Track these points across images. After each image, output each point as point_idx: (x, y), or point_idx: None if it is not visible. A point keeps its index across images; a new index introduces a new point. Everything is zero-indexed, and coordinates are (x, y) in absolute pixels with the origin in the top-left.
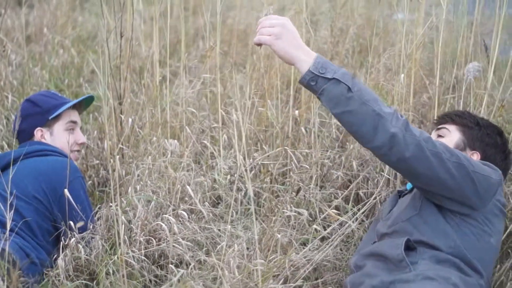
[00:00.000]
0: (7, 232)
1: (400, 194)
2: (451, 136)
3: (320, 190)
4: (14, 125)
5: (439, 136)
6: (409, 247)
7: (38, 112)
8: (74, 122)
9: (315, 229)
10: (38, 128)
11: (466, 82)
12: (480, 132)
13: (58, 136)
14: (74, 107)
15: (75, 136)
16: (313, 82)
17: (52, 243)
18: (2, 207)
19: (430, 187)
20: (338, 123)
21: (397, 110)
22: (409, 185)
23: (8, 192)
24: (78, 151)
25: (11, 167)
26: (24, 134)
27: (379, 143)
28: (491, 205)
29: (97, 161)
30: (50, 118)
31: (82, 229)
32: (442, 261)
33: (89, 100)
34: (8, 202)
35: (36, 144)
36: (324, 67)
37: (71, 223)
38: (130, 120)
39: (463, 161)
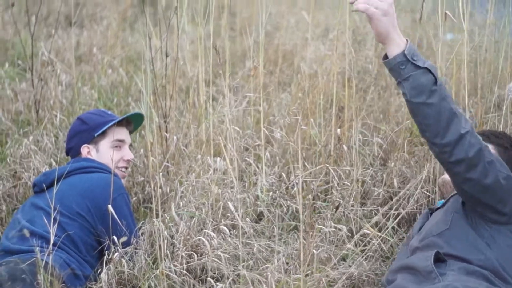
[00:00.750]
0: (50, 246)
1: (431, 212)
2: None
3: (360, 207)
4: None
5: None
6: (439, 259)
7: (85, 130)
8: (121, 141)
9: (355, 244)
10: (85, 145)
11: (507, 101)
12: None
13: (103, 153)
14: (122, 125)
15: (122, 153)
16: (402, 66)
17: (96, 258)
18: (46, 222)
19: (474, 192)
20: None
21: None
22: (440, 203)
23: (52, 207)
24: (125, 167)
25: (55, 184)
26: (73, 151)
27: (447, 141)
28: None
29: (142, 178)
30: (95, 135)
31: (125, 244)
32: (470, 273)
33: (140, 118)
34: (52, 217)
35: (82, 160)
36: (416, 54)
37: (115, 238)
38: (175, 138)
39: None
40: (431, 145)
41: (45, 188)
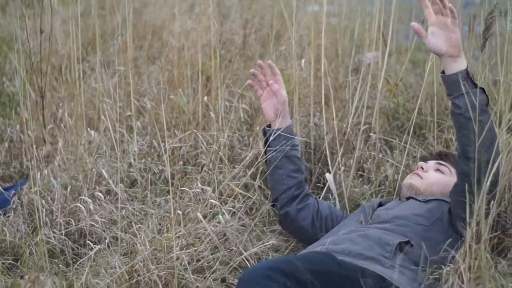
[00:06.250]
0: None
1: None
2: (452, 177)
3: (230, 170)
4: None
5: (439, 170)
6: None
7: None
8: None
9: (222, 203)
10: None
11: (364, 67)
12: None
13: None
14: None
15: None
16: (464, 81)
17: None
18: None
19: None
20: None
21: None
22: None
23: None
24: None
25: None
26: None
27: (486, 158)
28: None
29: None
30: None
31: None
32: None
33: None
34: None
35: None
36: (471, 72)
37: None
38: (50, 113)
39: None
40: (468, 163)
41: None
